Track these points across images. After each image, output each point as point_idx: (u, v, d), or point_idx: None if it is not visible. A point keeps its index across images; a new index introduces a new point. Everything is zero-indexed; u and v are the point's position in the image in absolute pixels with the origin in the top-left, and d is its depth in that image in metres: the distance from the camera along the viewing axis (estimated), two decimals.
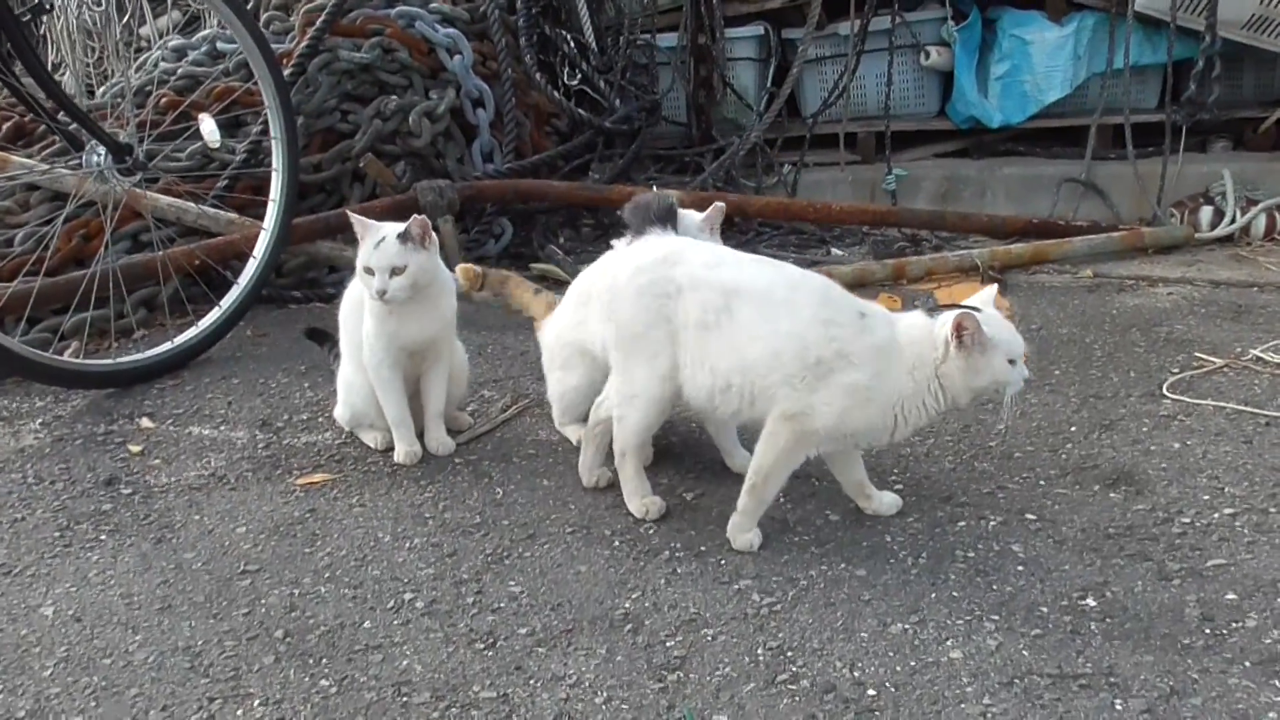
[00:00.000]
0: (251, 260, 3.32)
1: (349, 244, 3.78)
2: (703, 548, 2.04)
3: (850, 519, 2.12)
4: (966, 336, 1.88)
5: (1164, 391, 2.64)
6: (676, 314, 1.95)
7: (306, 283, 3.81)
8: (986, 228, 4.13)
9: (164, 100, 3.85)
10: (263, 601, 1.92)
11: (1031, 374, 2.02)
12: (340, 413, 2.55)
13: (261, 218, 3.39)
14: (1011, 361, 1.92)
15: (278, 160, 3.34)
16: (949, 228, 4.20)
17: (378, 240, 2.29)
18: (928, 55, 4.73)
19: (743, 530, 2.02)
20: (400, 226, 2.30)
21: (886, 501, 2.14)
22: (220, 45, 4.19)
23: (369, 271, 2.29)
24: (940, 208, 4.42)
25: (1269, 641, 1.69)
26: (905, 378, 1.91)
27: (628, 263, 2.03)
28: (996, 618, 1.77)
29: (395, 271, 2.26)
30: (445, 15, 4.34)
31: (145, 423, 2.72)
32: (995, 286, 2.06)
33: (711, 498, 2.23)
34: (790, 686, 1.64)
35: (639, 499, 2.14)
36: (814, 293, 1.93)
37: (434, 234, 2.33)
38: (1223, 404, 2.56)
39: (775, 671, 1.67)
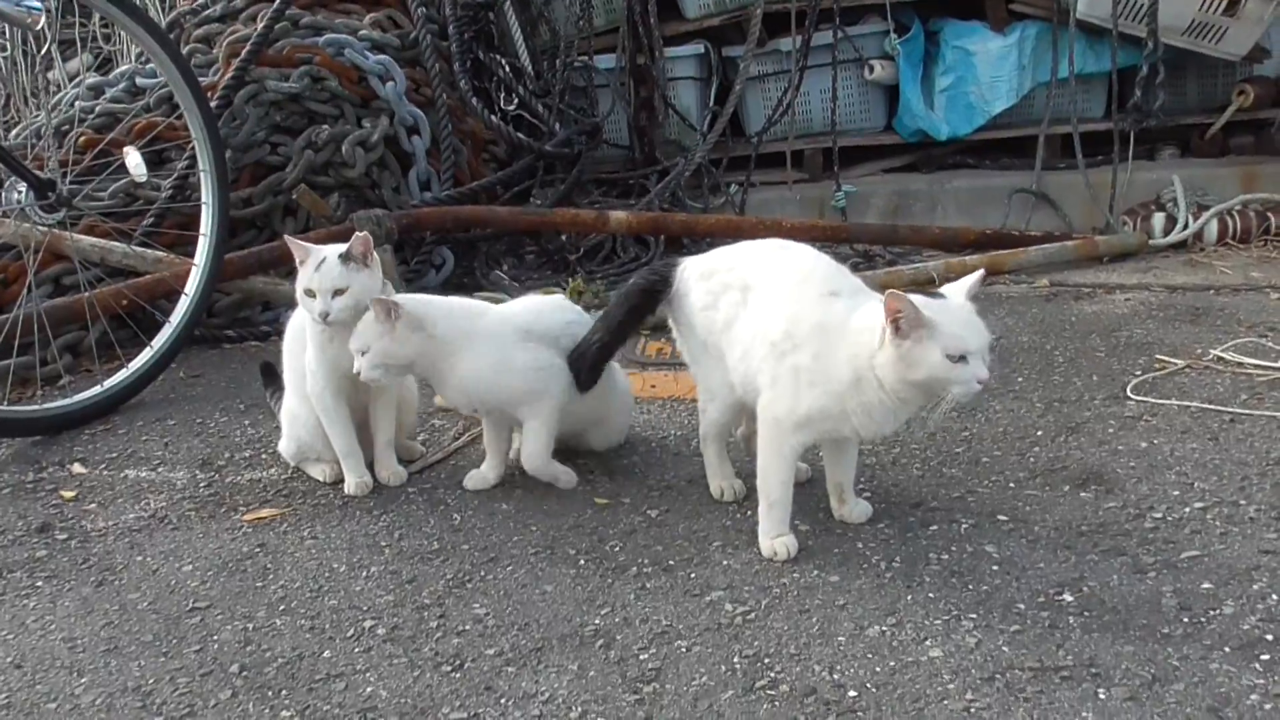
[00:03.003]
0: (183, 298, 3.31)
1: (284, 279, 3.79)
2: (670, 562, 2.06)
3: (820, 528, 2.16)
4: (902, 321, 1.80)
5: (1128, 393, 2.73)
6: (716, 321, 2.12)
7: (240, 321, 3.81)
8: (940, 240, 4.24)
9: (83, 139, 3.84)
10: (215, 638, 1.91)
11: (993, 379, 1.96)
12: (285, 446, 2.55)
13: (191, 254, 3.39)
14: (958, 359, 1.80)
15: (207, 194, 3.35)
16: (902, 242, 4.30)
17: (319, 262, 2.31)
18: (872, 69, 4.86)
19: (764, 535, 2.07)
20: (341, 247, 2.33)
21: (858, 510, 2.19)
22: (140, 81, 4.19)
23: (310, 294, 2.31)
24: (891, 222, 4.52)
25: (1246, 627, 1.75)
26: (844, 364, 1.91)
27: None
28: (974, 616, 1.82)
29: (338, 293, 2.29)
30: (375, 42, 4.39)
31: (77, 468, 2.70)
32: (981, 273, 1.96)
33: (677, 514, 2.27)
34: (769, 692, 1.67)
35: (716, 480, 2.31)
36: (796, 273, 2.01)
37: (374, 254, 2.36)
38: (1187, 403, 2.64)
39: (753, 678, 1.70)
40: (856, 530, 2.14)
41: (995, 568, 1.97)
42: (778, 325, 2.00)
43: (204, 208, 3.35)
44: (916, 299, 1.83)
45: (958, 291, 1.92)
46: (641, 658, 1.77)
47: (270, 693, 1.74)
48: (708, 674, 1.72)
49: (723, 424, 2.29)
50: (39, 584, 2.15)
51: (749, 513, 2.21)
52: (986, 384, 1.83)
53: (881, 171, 4.99)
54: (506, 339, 2.35)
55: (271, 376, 2.81)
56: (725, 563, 2.05)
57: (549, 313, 2.45)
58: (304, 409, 2.45)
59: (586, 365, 2.36)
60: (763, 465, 2.06)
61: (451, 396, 2.39)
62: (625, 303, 2.31)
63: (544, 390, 2.36)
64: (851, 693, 1.65)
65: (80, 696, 1.77)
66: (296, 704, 1.71)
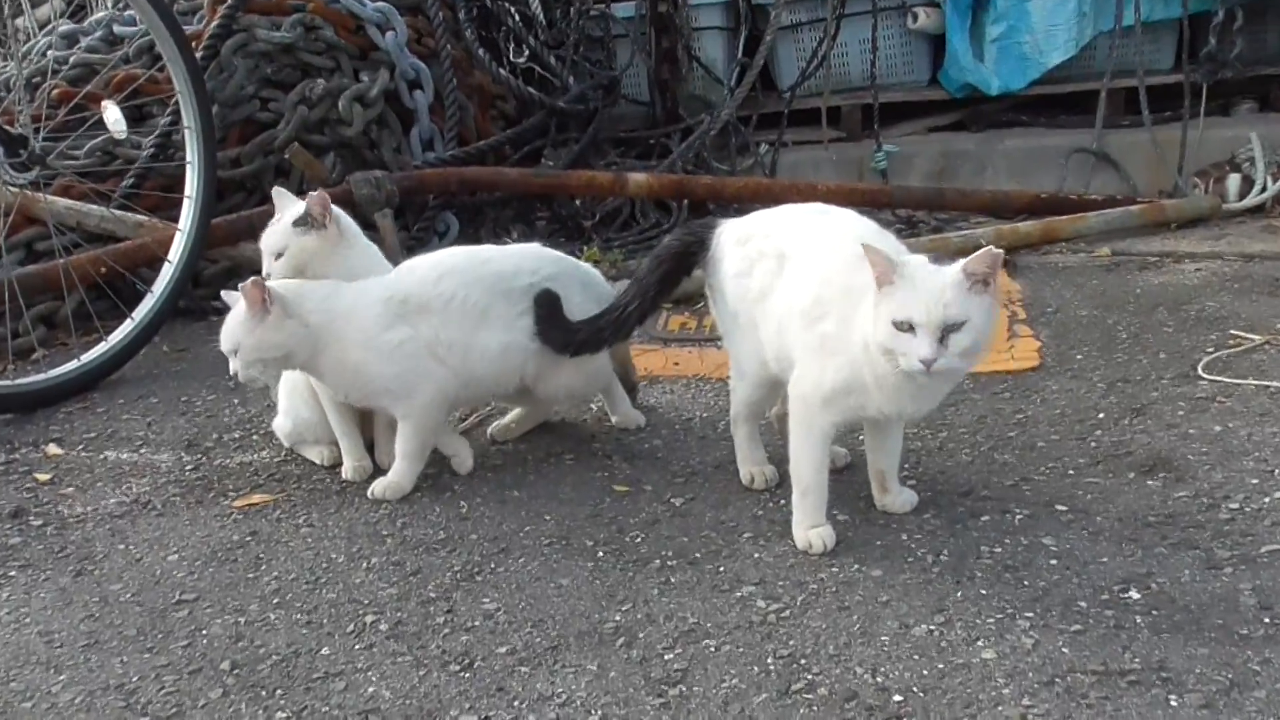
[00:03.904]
0: (166, 266, 3.32)
1: None
2: (697, 555, 2.06)
3: (860, 518, 2.15)
4: (878, 275, 1.83)
5: (1199, 372, 2.70)
6: (750, 290, 2.12)
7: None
8: (990, 205, 4.21)
9: (56, 91, 3.84)
10: (204, 632, 1.92)
11: (947, 363, 1.82)
12: (281, 426, 2.56)
13: (175, 218, 3.39)
14: (905, 328, 1.80)
15: (193, 153, 3.35)
16: (948, 207, 4.27)
17: (278, 219, 2.33)
18: (915, 17, 4.82)
19: (799, 525, 2.07)
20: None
21: (902, 499, 2.18)
22: (118, 29, 4.19)
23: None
24: (937, 185, 4.49)
25: None
26: (858, 329, 1.90)
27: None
28: (1031, 615, 1.81)
29: (279, 255, 2.30)
30: None
31: (53, 449, 2.72)
32: (991, 251, 1.83)
33: (704, 502, 2.26)
34: (806, 696, 1.66)
35: (746, 466, 2.30)
36: (835, 240, 2.00)
37: (338, 219, 2.33)
38: (1265, 383, 2.62)
39: (788, 680, 1.69)
40: (900, 521, 2.13)
41: (1053, 562, 1.96)
42: (810, 291, 2.01)
43: (189, 168, 3.35)
44: (903, 258, 1.87)
45: (958, 265, 1.84)
46: (666, 658, 1.77)
47: (264, 692, 1.75)
48: (739, 676, 1.71)
49: (754, 403, 2.28)
50: (12, 574, 2.17)
51: (782, 501, 2.21)
52: (931, 366, 1.80)
53: (926, 130, 4.95)
54: (372, 315, 2.30)
55: None
56: (756, 556, 2.05)
57: (434, 272, 2.36)
58: (305, 382, 2.46)
59: (609, 334, 2.34)
60: (794, 449, 2.05)
61: (327, 386, 2.38)
62: (657, 266, 2.30)
63: (414, 380, 2.31)
64: (896, 697, 1.64)
65: (58, 695, 1.78)
66: (292, 704, 1.72)
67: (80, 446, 2.73)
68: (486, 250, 2.51)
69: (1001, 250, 1.83)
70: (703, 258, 2.25)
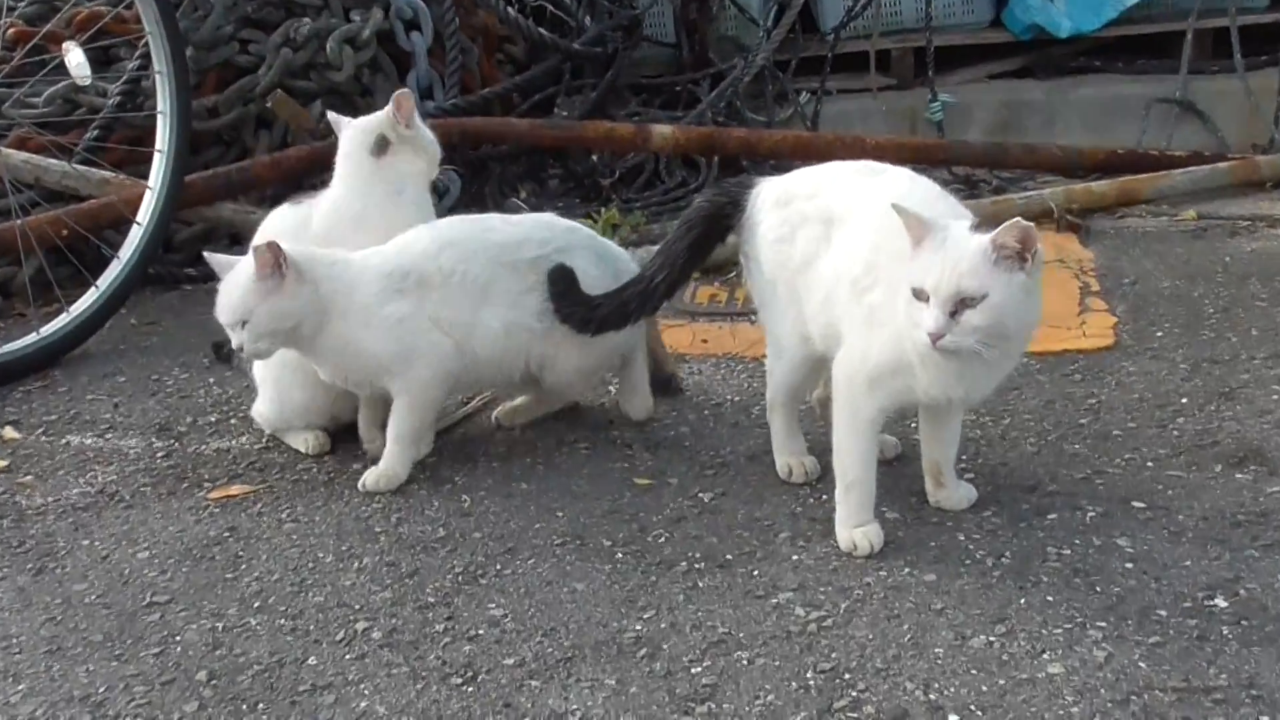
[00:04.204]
0: (135, 229, 3.33)
1: (257, 205, 3.79)
2: (728, 557, 2.06)
3: (912, 516, 2.15)
4: (910, 236, 1.85)
5: None
6: (791, 258, 2.13)
7: (204, 257, 3.81)
8: (1060, 163, 4.18)
9: (12, 31, 3.84)
10: (178, 638, 1.93)
11: (984, 343, 1.80)
12: (263, 411, 2.57)
13: (145, 175, 3.40)
14: (921, 296, 1.82)
15: (164, 101, 3.35)
16: (1012, 164, 4.25)
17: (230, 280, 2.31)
18: None
19: (843, 524, 2.07)
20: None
21: (959, 494, 2.18)
22: None
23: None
24: (999, 140, 4.47)
25: None
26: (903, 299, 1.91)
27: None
28: (1103, 625, 1.81)
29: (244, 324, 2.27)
30: None
31: (9, 433, 2.74)
32: (1022, 224, 1.79)
33: (736, 498, 2.26)
34: (851, 715, 1.66)
35: (784, 456, 2.30)
36: (889, 199, 1.98)
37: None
38: None
39: (830, 698, 1.70)
40: (957, 519, 2.13)
41: (1129, 565, 1.96)
42: (860, 258, 2.01)
43: (160, 118, 3.35)
44: (942, 222, 1.85)
45: (990, 233, 1.81)
46: (694, 671, 1.77)
47: (244, 706, 1.76)
48: (775, 692, 1.72)
49: (793, 386, 2.28)
50: None
51: (824, 497, 2.20)
52: (936, 341, 1.80)
53: (987, 77, 4.93)
54: (373, 291, 2.33)
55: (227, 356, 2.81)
56: (795, 558, 2.05)
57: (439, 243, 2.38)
58: (299, 361, 2.44)
59: (635, 308, 2.33)
60: (839, 437, 2.05)
61: (322, 369, 2.39)
62: (687, 231, 2.29)
63: (414, 356, 2.33)
64: (951, 717, 1.64)
65: (17, 707, 1.79)
66: (276, 718, 1.73)
67: (40, 430, 2.75)
68: (492, 219, 2.52)
69: (1032, 224, 1.80)
70: (737, 221, 2.24)
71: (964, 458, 2.30)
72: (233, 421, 2.73)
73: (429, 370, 2.35)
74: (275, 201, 3.90)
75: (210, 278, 3.57)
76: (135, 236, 3.32)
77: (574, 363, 2.45)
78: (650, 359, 2.66)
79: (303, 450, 2.53)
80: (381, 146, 2.56)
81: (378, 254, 2.39)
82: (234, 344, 2.28)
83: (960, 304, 1.79)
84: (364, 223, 2.51)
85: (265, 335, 2.27)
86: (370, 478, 2.36)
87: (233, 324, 2.27)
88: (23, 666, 1.89)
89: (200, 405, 2.83)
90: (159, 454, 2.60)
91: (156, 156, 3.36)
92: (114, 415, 2.81)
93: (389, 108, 2.57)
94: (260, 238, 2.40)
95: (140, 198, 3.36)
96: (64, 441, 2.69)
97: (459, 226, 2.46)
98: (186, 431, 2.70)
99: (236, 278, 2.28)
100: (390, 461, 2.37)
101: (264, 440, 2.61)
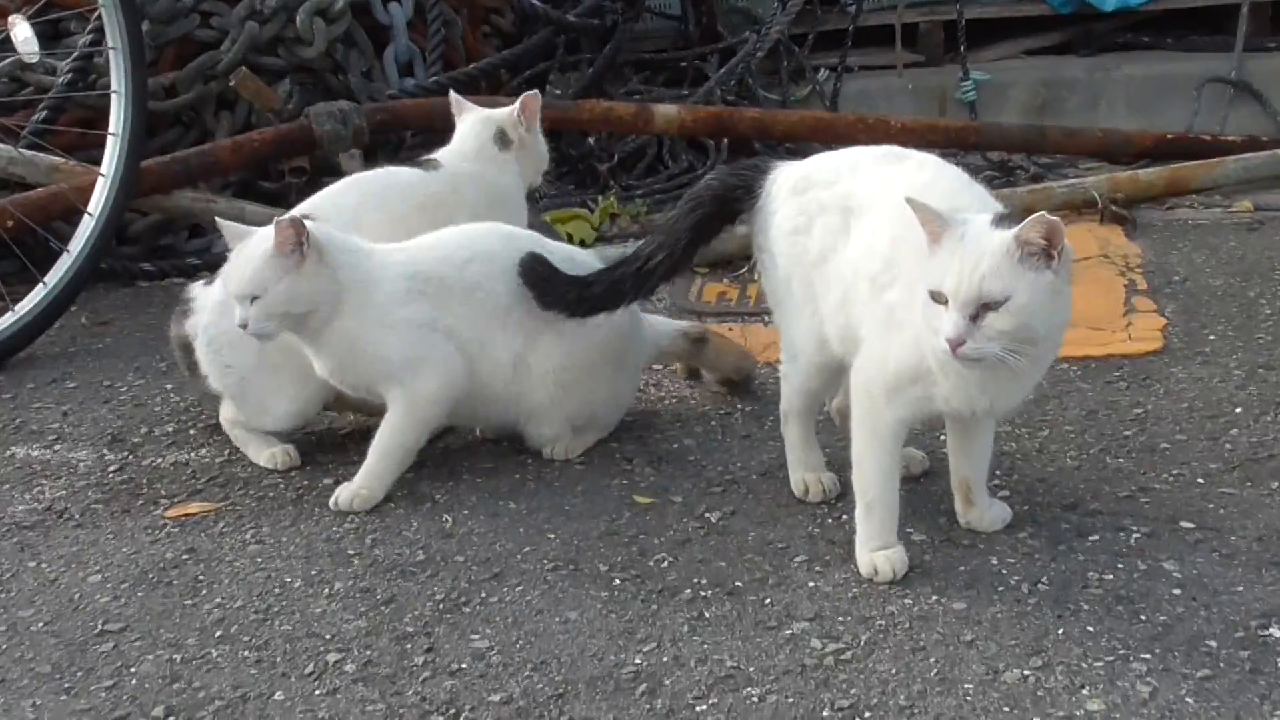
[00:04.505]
0: (86, 219, 3.34)
1: (219, 193, 3.81)
2: (737, 584, 2.07)
3: (940, 537, 2.16)
4: (928, 235, 1.85)
5: None
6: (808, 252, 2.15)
7: (161, 250, 3.85)
8: (1103, 147, 4.19)
9: None
10: (132, 670, 1.94)
11: (1009, 350, 1.80)
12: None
13: (97, 161, 3.40)
14: (940, 299, 1.82)
15: (118, 80, 3.36)
16: (1051, 149, 4.26)
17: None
18: None
19: (863, 546, 2.07)
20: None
21: (992, 514, 2.19)
22: None
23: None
24: (1037, 122, 4.48)
25: None
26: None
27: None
28: (1148, 656, 1.81)
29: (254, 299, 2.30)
30: None
31: None
32: (1047, 219, 1.78)
33: (746, 518, 2.27)
34: None
35: (799, 472, 2.31)
36: (912, 190, 1.98)
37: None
38: None
39: None
40: (989, 541, 2.14)
41: (1177, 592, 1.96)
42: (880, 253, 2.01)
43: (114, 98, 3.36)
44: (960, 217, 1.85)
45: (1012, 230, 1.81)
46: (699, 710, 1.78)
47: None
48: None
49: (810, 394, 2.29)
50: None
51: (844, 517, 2.22)
52: (956, 349, 1.79)
53: (1024, 53, 4.94)
54: (390, 290, 2.37)
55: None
56: (811, 584, 2.06)
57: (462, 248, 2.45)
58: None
59: (630, 287, 2.35)
60: (858, 452, 2.06)
61: (321, 363, 2.40)
62: (692, 210, 2.30)
63: (423, 366, 2.37)
64: None
65: None
66: None
67: None
68: (530, 238, 2.53)
69: (1058, 218, 1.80)
70: (749, 207, 2.25)
71: (997, 473, 2.31)
72: (192, 432, 2.74)
73: (435, 383, 2.37)
74: (239, 189, 3.95)
75: (167, 274, 3.70)
76: (86, 228, 3.33)
77: (562, 416, 2.49)
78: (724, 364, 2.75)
79: (267, 466, 2.53)
80: (502, 141, 2.78)
81: (403, 250, 2.43)
82: (238, 318, 2.29)
83: (982, 308, 1.79)
84: (467, 203, 2.69)
85: (275, 316, 2.29)
86: (344, 495, 2.37)
87: (242, 297, 2.29)
88: None
89: (157, 414, 2.84)
90: (111, 467, 2.61)
91: (110, 140, 3.37)
92: (63, 425, 2.82)
93: (515, 107, 2.81)
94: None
95: (92, 185, 3.37)
96: (8, 453, 2.70)
97: (494, 238, 2.49)
98: (142, 443, 2.71)
99: (253, 249, 2.30)
100: (369, 479, 2.38)
101: (226, 453, 2.62)
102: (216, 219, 2.44)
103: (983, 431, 2.15)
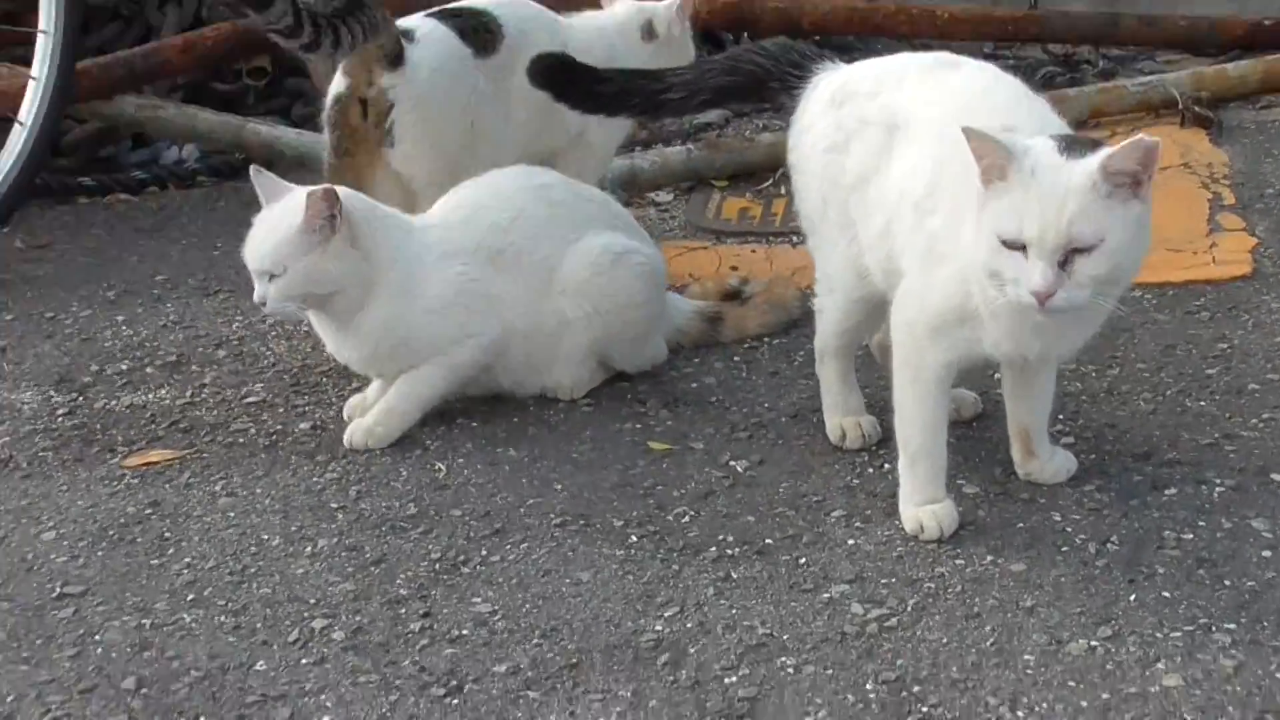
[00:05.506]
0: (16, 129, 3.36)
1: (165, 98, 3.81)
2: (768, 541, 2.12)
3: (996, 491, 2.20)
4: (983, 168, 1.84)
5: None
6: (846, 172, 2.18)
7: (102, 163, 3.90)
8: (1186, 37, 4.19)
9: None
10: (97, 638, 1.99)
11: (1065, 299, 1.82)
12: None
13: (27, 62, 3.42)
14: (1015, 246, 1.81)
15: None
16: (1125, 40, 4.28)
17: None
18: None
19: (907, 501, 2.12)
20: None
21: (1054, 464, 2.22)
22: None
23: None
24: (1109, 9, 4.46)
25: None
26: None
27: None
28: (1232, 627, 1.85)
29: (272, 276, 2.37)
30: None
31: None
32: (1145, 141, 1.79)
33: (776, 468, 2.32)
34: None
35: (835, 416, 2.36)
36: (961, 102, 2.03)
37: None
38: None
39: (896, 715, 1.75)
40: (1051, 495, 2.18)
41: (1266, 554, 2.00)
42: (924, 175, 2.03)
43: None
44: (1024, 145, 1.83)
45: (1095, 159, 1.82)
46: (727, 682, 1.82)
47: (181, 719, 1.82)
48: (827, 707, 1.77)
49: (848, 331, 2.33)
50: None
51: (886, 466, 2.26)
52: (1046, 302, 1.80)
53: None
54: (434, 264, 2.46)
55: None
56: (851, 543, 2.10)
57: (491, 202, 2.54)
58: None
59: (637, 100, 2.48)
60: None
61: (348, 349, 2.48)
62: (728, 74, 2.38)
63: (462, 338, 2.46)
64: None
65: None
66: None
67: None
68: (557, 185, 2.63)
69: (1158, 140, 1.80)
70: (784, 104, 2.30)
71: (1060, 417, 2.33)
72: (149, 370, 2.77)
73: (477, 354, 2.49)
74: (189, 94, 3.95)
75: (109, 189, 3.71)
76: (17, 139, 3.36)
77: (590, 366, 2.60)
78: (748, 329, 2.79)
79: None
80: (648, 33, 2.91)
81: (442, 223, 2.51)
82: (256, 296, 2.35)
83: (1070, 252, 1.79)
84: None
85: (296, 297, 2.36)
86: (358, 434, 2.45)
87: (260, 273, 2.35)
88: None
89: (107, 350, 2.87)
90: (60, 411, 2.64)
91: (40, 38, 3.38)
92: (2, 363, 2.84)
93: (675, 1, 2.94)
94: None
95: (22, 90, 3.39)
96: None
97: (527, 198, 2.56)
98: (92, 383, 2.74)
99: (277, 219, 2.36)
100: (387, 417, 2.46)
101: (188, 394, 2.66)
102: (252, 169, 2.47)
103: (1043, 374, 2.17)
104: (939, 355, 2.04)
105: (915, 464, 2.10)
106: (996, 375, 2.32)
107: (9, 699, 1.88)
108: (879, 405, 2.34)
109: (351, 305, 2.40)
